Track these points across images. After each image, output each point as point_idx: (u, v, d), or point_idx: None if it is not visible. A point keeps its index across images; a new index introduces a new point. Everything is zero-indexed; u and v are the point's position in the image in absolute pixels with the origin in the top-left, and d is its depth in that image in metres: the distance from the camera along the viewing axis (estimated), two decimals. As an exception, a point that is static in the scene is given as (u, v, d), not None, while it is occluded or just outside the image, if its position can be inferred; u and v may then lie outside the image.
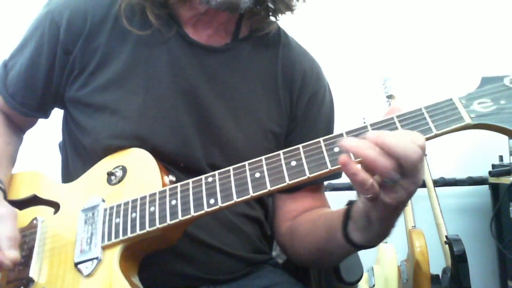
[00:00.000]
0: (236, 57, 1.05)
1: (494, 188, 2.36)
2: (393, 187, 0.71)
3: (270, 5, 1.04)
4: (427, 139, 0.73)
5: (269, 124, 1.06)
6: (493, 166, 2.34)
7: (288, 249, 1.09)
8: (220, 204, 0.80)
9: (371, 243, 0.84)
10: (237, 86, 1.05)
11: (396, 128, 0.75)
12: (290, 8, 1.06)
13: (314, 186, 1.07)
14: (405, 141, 0.68)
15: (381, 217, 0.76)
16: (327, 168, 0.76)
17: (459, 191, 2.51)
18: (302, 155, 0.78)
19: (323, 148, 0.77)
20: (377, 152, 0.68)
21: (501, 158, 2.38)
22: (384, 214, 0.76)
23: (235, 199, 0.79)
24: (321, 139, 0.77)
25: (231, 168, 0.82)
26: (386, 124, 0.76)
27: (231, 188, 0.80)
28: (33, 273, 0.88)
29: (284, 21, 1.10)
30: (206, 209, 0.80)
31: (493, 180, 2.32)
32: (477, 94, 0.75)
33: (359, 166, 0.70)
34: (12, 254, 0.83)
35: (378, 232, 0.80)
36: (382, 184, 0.71)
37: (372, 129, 0.75)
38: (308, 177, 0.76)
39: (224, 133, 1.02)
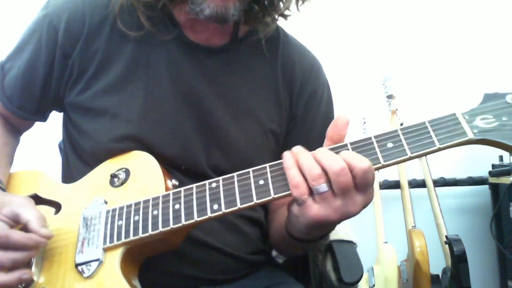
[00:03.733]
0: (236, 57, 1.05)
1: (494, 188, 2.36)
2: (321, 198, 0.73)
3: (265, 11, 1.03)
4: (430, 152, 0.75)
5: (270, 124, 1.06)
6: (493, 166, 2.34)
7: (270, 239, 1.10)
8: (223, 210, 0.80)
9: (303, 237, 0.86)
10: (237, 86, 1.04)
11: (400, 141, 0.76)
12: (282, 15, 1.05)
13: None
14: (330, 154, 0.74)
15: (306, 223, 0.77)
16: None
17: (459, 191, 2.51)
18: None
19: None
20: (309, 157, 0.74)
21: (501, 158, 2.37)
22: (307, 225, 0.78)
23: (239, 205, 0.79)
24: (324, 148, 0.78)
25: (235, 174, 0.82)
26: (390, 137, 0.77)
27: (235, 194, 0.80)
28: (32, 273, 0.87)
29: (284, 21, 1.09)
30: (209, 214, 0.80)
31: (493, 180, 2.32)
32: (479, 110, 0.76)
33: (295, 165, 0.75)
34: (47, 232, 0.83)
35: (302, 231, 0.82)
36: (311, 192, 0.74)
37: (376, 141, 0.77)
38: None
39: (225, 134, 1.02)
